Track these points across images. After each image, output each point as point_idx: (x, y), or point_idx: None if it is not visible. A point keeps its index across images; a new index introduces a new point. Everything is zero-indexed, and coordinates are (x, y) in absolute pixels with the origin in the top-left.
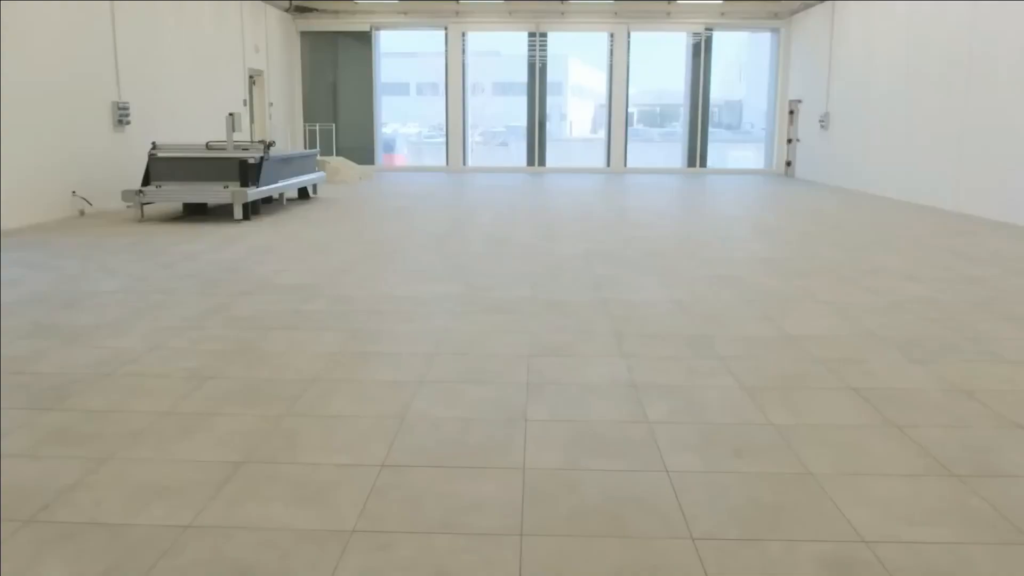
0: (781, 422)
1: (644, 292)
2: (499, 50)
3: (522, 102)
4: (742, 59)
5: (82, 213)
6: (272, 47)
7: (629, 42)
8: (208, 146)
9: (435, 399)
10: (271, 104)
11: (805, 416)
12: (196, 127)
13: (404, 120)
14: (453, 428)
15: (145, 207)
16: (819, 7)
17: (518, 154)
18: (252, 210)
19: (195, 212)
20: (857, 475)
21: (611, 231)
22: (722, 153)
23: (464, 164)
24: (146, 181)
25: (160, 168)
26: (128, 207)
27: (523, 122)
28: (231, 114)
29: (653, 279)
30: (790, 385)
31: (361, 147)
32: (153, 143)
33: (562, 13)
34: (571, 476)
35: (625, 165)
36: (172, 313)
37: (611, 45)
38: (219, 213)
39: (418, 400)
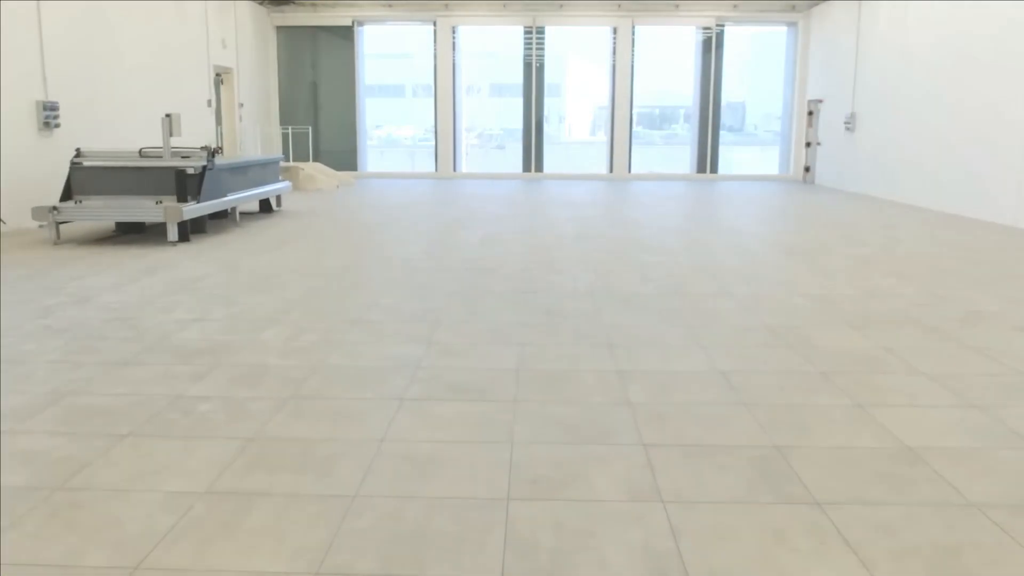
0: None
1: (675, 359)
2: (497, 51)
3: (519, 103)
4: (746, 57)
5: None
6: (243, 43)
7: (634, 38)
8: (141, 153)
9: None
10: (242, 105)
11: None
12: (148, 131)
13: (400, 123)
14: None
15: (66, 226)
16: None
17: (514, 158)
18: (194, 228)
19: (130, 230)
20: None
21: (621, 256)
22: (725, 157)
23: (455, 170)
24: (67, 195)
25: (83, 179)
26: (41, 227)
27: (519, 124)
28: (167, 115)
29: (684, 335)
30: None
31: (342, 151)
32: (77, 150)
33: (561, 6)
34: None
35: (629, 171)
36: None
37: (614, 41)
38: (157, 232)
39: None
